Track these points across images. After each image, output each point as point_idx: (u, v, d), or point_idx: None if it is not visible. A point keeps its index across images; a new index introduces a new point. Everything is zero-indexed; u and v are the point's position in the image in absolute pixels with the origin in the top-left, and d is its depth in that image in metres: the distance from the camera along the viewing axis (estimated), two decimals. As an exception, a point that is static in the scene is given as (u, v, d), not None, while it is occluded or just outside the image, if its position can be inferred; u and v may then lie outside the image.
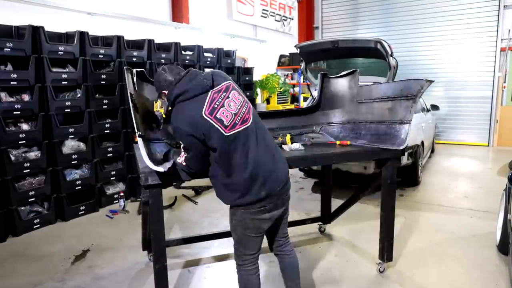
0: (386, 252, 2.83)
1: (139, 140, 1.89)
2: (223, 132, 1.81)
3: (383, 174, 2.73)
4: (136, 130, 1.94)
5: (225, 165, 1.87)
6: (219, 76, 1.93)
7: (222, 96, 1.86)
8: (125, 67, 2.11)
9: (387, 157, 2.65)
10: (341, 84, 3.06)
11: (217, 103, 1.83)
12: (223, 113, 1.82)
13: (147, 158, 1.88)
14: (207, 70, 2.26)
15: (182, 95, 1.84)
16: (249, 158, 1.86)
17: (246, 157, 1.86)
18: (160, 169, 1.89)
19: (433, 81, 2.55)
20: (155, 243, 2.15)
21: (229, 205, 1.99)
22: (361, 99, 2.92)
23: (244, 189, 1.87)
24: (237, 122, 1.85)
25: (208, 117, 1.80)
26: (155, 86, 1.97)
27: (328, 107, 3.13)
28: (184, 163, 1.95)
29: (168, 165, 1.93)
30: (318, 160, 2.67)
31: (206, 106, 1.81)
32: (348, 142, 2.80)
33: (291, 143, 2.80)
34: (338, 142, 2.84)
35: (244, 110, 1.90)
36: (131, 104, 1.99)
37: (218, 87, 1.88)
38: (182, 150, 1.95)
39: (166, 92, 1.89)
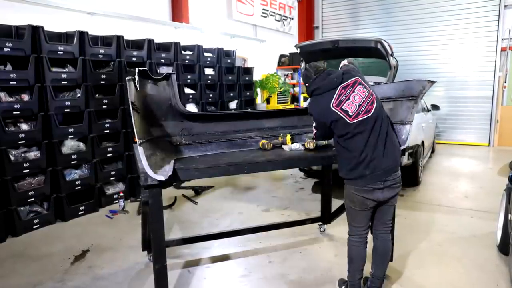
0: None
1: (140, 149, 1.90)
2: (347, 120, 2.22)
3: None
4: (137, 138, 1.94)
5: (346, 145, 2.28)
6: (349, 74, 2.34)
7: (349, 90, 2.27)
8: (127, 77, 2.10)
9: None
10: None
11: (344, 97, 2.25)
12: (348, 105, 2.24)
13: (148, 166, 1.88)
14: (344, 62, 2.56)
15: (315, 90, 2.33)
16: (366, 142, 2.23)
17: (364, 141, 2.23)
18: (161, 177, 1.93)
19: (435, 81, 2.56)
20: (155, 243, 2.15)
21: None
22: None
23: (354, 166, 2.25)
24: (360, 112, 2.23)
25: (335, 109, 2.24)
26: (302, 78, 2.48)
27: None
28: (313, 135, 2.50)
29: (168, 172, 1.96)
30: (318, 160, 2.66)
31: (334, 99, 2.25)
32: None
33: (291, 143, 2.79)
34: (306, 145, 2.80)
35: (368, 101, 2.26)
36: (132, 112, 1.99)
37: (346, 82, 2.28)
38: (313, 128, 2.47)
39: (307, 85, 2.39)
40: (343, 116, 2.23)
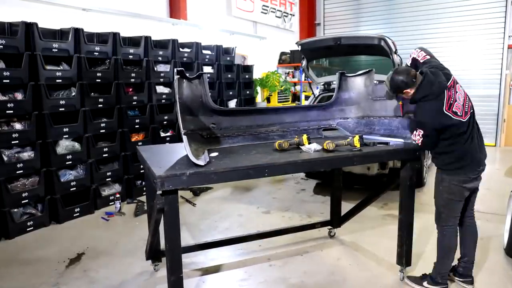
0: (405, 256, 2.82)
1: (184, 138, 2.07)
2: (462, 120, 2.35)
3: (401, 176, 2.76)
4: (182, 129, 2.15)
5: (454, 142, 2.40)
6: (445, 72, 2.39)
7: (453, 91, 2.36)
8: (176, 76, 2.29)
9: (407, 157, 2.69)
10: (357, 82, 3.20)
11: (452, 99, 2.34)
12: (456, 106, 2.35)
13: (191, 153, 2.03)
14: (418, 53, 2.57)
15: (425, 97, 2.35)
16: (472, 137, 2.41)
17: (470, 137, 2.41)
18: (201, 162, 2.05)
19: None
20: (171, 253, 2.07)
21: (438, 172, 2.56)
22: (375, 96, 3.06)
23: (458, 159, 2.43)
24: (466, 111, 2.38)
25: (448, 112, 2.33)
26: (391, 86, 2.45)
27: (344, 104, 3.27)
28: (420, 144, 2.48)
29: (205, 159, 2.12)
30: (339, 161, 2.56)
31: (445, 103, 2.32)
32: None
33: (308, 143, 2.59)
34: None
35: (467, 99, 2.42)
36: (179, 108, 2.18)
37: (449, 83, 2.35)
38: (418, 134, 2.45)
39: (409, 90, 2.39)
40: (457, 118, 2.33)
